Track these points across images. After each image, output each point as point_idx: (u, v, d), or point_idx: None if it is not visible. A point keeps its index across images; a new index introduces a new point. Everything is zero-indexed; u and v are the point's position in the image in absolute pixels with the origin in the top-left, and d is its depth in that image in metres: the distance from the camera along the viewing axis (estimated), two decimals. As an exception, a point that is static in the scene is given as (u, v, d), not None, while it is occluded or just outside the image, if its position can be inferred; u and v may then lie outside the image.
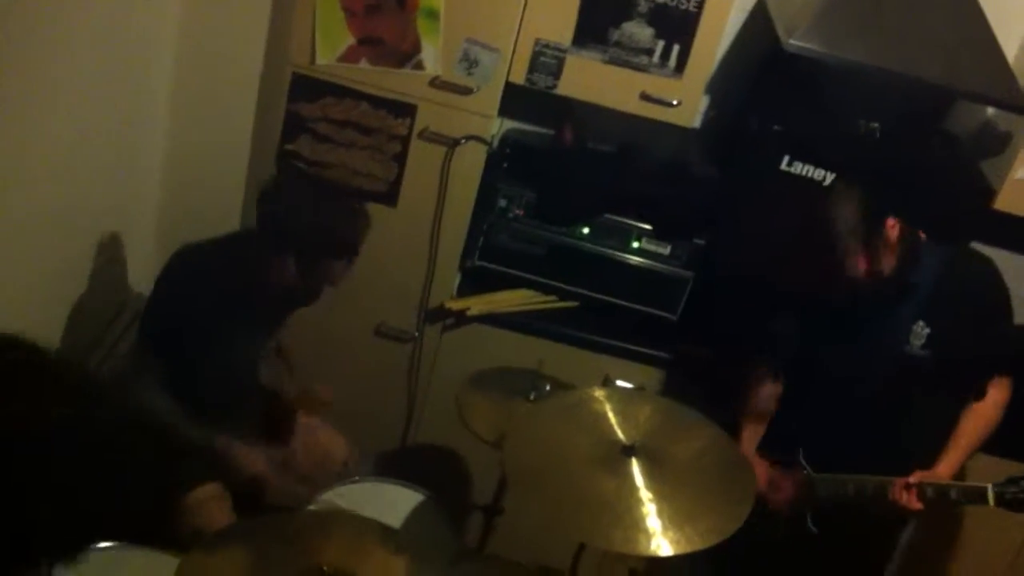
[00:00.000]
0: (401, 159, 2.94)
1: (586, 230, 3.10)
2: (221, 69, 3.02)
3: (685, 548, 2.00)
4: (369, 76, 2.84)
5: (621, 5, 2.81)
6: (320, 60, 2.82)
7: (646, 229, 3.10)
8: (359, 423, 3.05)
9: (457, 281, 3.17)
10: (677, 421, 2.34)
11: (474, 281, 3.16)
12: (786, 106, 2.95)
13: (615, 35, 2.84)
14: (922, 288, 2.48)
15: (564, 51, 2.87)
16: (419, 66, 2.83)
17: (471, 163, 2.95)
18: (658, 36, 2.84)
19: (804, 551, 2.64)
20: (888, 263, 2.42)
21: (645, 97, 2.90)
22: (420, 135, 2.91)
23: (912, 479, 2.41)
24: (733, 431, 2.71)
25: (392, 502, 2.72)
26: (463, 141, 2.90)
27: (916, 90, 2.79)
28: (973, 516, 3.15)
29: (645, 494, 2.09)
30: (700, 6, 2.80)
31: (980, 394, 2.52)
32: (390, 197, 2.99)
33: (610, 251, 3.12)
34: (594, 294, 3.17)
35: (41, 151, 2.31)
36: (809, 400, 2.70)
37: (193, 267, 2.48)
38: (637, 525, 2.03)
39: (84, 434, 1.36)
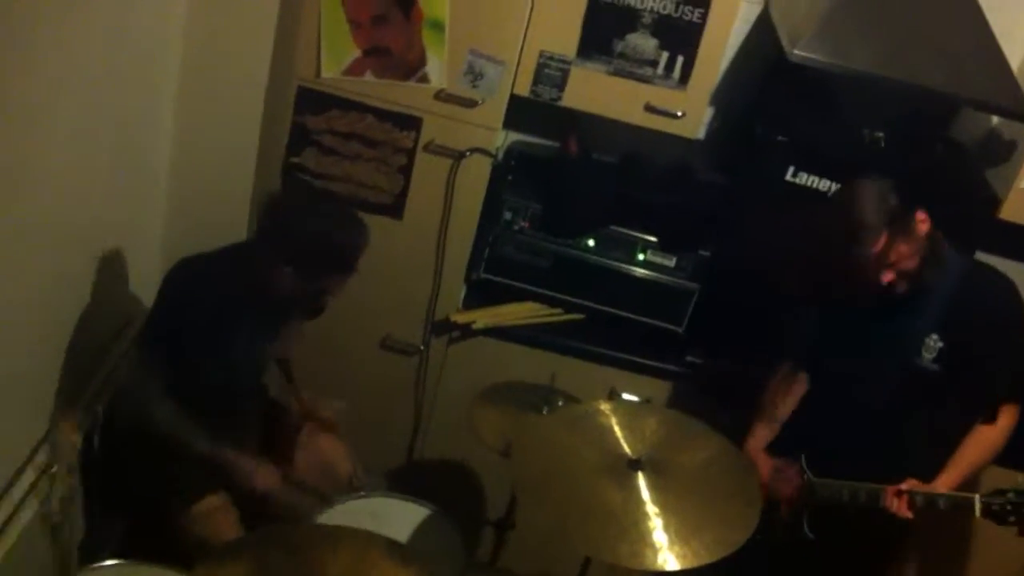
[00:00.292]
0: (406, 171, 2.95)
1: (591, 242, 3.10)
2: (226, 82, 3.02)
3: (691, 562, 2.00)
4: (374, 89, 2.85)
5: (625, 17, 2.81)
6: (325, 73, 2.83)
7: (651, 241, 3.09)
8: (365, 436, 3.06)
9: (463, 294, 3.17)
10: (683, 433, 2.34)
11: (480, 294, 3.16)
12: (791, 116, 2.95)
13: (619, 47, 2.84)
14: (938, 300, 2.46)
15: (568, 63, 2.87)
16: (424, 79, 2.83)
17: (476, 175, 2.95)
18: (662, 47, 2.84)
19: (800, 557, 2.62)
20: (911, 262, 2.39)
21: (649, 108, 2.90)
22: (425, 148, 2.91)
23: (903, 486, 2.40)
24: (741, 442, 2.71)
25: (399, 517, 2.71)
26: (468, 153, 2.90)
27: (921, 99, 2.79)
28: (982, 529, 3.13)
29: (651, 508, 2.09)
30: (704, 17, 2.80)
31: (991, 418, 2.49)
32: (396, 209, 2.99)
33: (615, 263, 3.11)
34: (600, 306, 3.17)
35: (46, 163, 2.31)
36: (815, 405, 2.69)
37: (194, 275, 2.50)
38: (643, 539, 2.03)
39: None
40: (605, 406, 2.37)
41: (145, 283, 2.95)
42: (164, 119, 3.01)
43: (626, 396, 3.03)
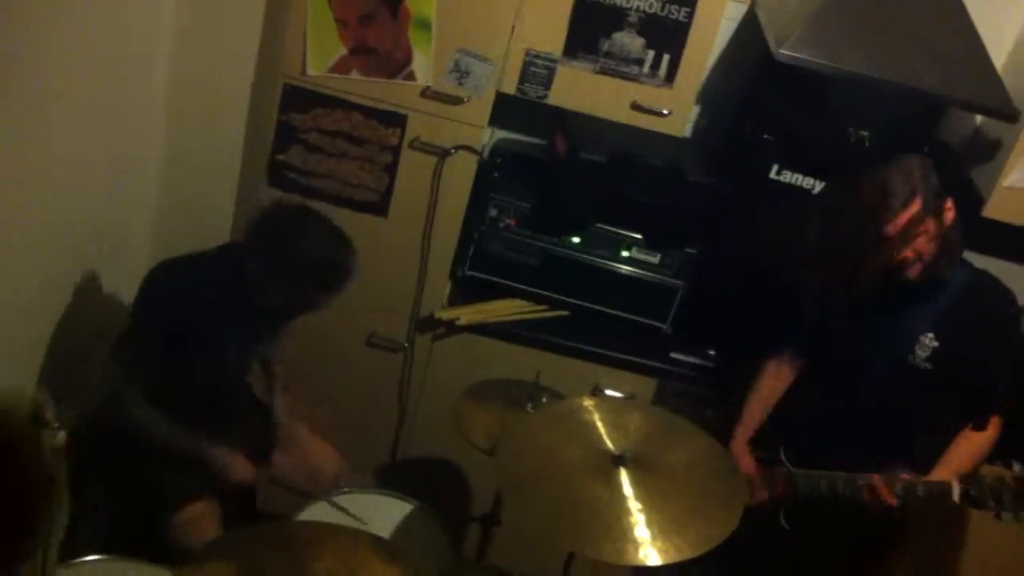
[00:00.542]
0: (392, 169, 2.95)
1: (577, 239, 3.11)
2: (213, 79, 3.02)
3: (674, 557, 2.01)
4: (360, 87, 2.85)
5: (611, 15, 2.82)
6: (311, 71, 2.83)
7: (636, 238, 3.10)
8: (350, 433, 3.06)
9: (448, 291, 3.17)
10: (667, 430, 2.35)
11: (465, 290, 3.17)
12: (776, 115, 2.96)
13: (606, 45, 2.85)
14: (936, 299, 2.46)
15: (555, 61, 2.88)
16: (410, 76, 2.83)
17: (462, 173, 2.95)
18: (648, 46, 2.85)
19: (778, 549, 2.64)
20: (931, 245, 2.37)
21: (636, 107, 2.91)
22: (411, 145, 2.91)
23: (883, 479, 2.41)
24: (724, 438, 2.72)
25: (385, 513, 2.72)
26: (454, 151, 2.90)
27: (906, 98, 2.81)
28: (968, 522, 3.14)
29: (634, 504, 2.10)
30: (690, 16, 2.81)
31: (980, 426, 2.49)
32: (381, 207, 2.99)
33: (601, 260, 3.12)
34: (585, 303, 3.18)
35: (34, 162, 2.31)
36: (802, 397, 2.70)
37: (174, 278, 2.47)
38: (626, 535, 2.04)
39: None
40: (589, 402, 2.37)
41: (133, 280, 2.94)
42: (152, 116, 3.01)
43: (610, 392, 3.04)
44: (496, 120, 3.04)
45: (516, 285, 3.17)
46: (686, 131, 3.14)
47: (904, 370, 2.50)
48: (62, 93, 2.35)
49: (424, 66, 2.81)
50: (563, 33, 2.84)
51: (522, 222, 3.10)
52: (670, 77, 2.88)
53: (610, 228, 3.10)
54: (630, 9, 2.81)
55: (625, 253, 3.12)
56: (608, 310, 3.18)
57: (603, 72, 2.88)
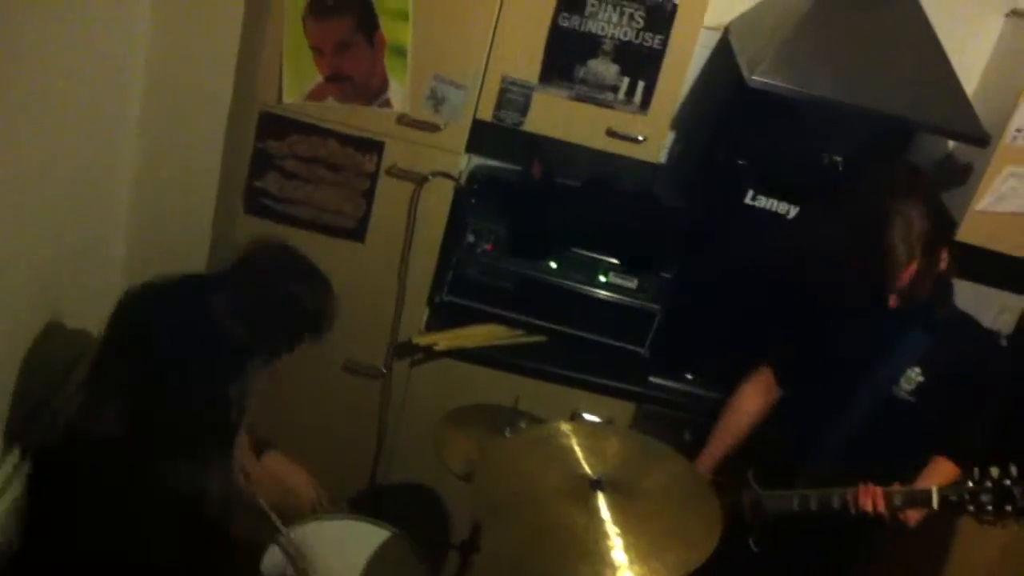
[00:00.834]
0: (369, 195, 2.95)
1: (554, 264, 3.12)
2: (189, 107, 3.02)
3: (651, 582, 2.00)
4: (336, 113, 2.86)
5: (586, 43, 2.84)
6: (287, 99, 2.83)
7: (614, 263, 3.11)
8: (328, 459, 3.04)
9: (426, 316, 3.17)
10: (644, 454, 2.35)
11: (443, 316, 3.16)
12: (750, 140, 2.99)
13: (581, 72, 2.88)
14: (925, 334, 2.50)
15: (531, 88, 2.90)
16: (386, 103, 2.84)
17: (439, 199, 2.96)
18: (623, 73, 2.87)
19: (744, 569, 2.63)
20: (925, 287, 2.43)
21: (611, 133, 2.93)
22: (388, 172, 2.92)
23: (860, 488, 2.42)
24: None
25: (361, 540, 2.70)
26: (431, 177, 2.91)
27: (878, 123, 2.84)
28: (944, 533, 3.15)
29: (612, 528, 2.10)
30: (664, 44, 2.84)
31: (955, 459, 2.50)
32: (358, 233, 2.99)
33: (578, 285, 3.13)
34: (563, 328, 3.18)
35: (4, 187, 2.30)
36: (776, 420, 2.71)
37: (151, 304, 2.44)
38: (604, 559, 2.03)
39: None
40: (567, 427, 2.37)
41: (105, 308, 2.92)
42: (126, 143, 3.00)
43: (588, 417, 3.04)
44: (473, 147, 3.06)
45: (494, 310, 3.17)
46: (661, 157, 3.17)
47: (888, 401, 2.52)
48: (33, 118, 2.34)
49: (400, 93, 2.83)
50: (539, 60, 2.86)
51: (499, 247, 3.10)
52: (645, 104, 2.90)
53: (587, 253, 3.12)
54: (605, 37, 2.84)
55: (602, 278, 3.13)
56: (586, 335, 3.19)
57: (578, 99, 2.90)
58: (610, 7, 2.81)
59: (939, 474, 2.47)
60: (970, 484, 2.29)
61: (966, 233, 3.00)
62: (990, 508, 2.27)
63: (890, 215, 2.39)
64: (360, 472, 3.33)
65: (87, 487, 2.47)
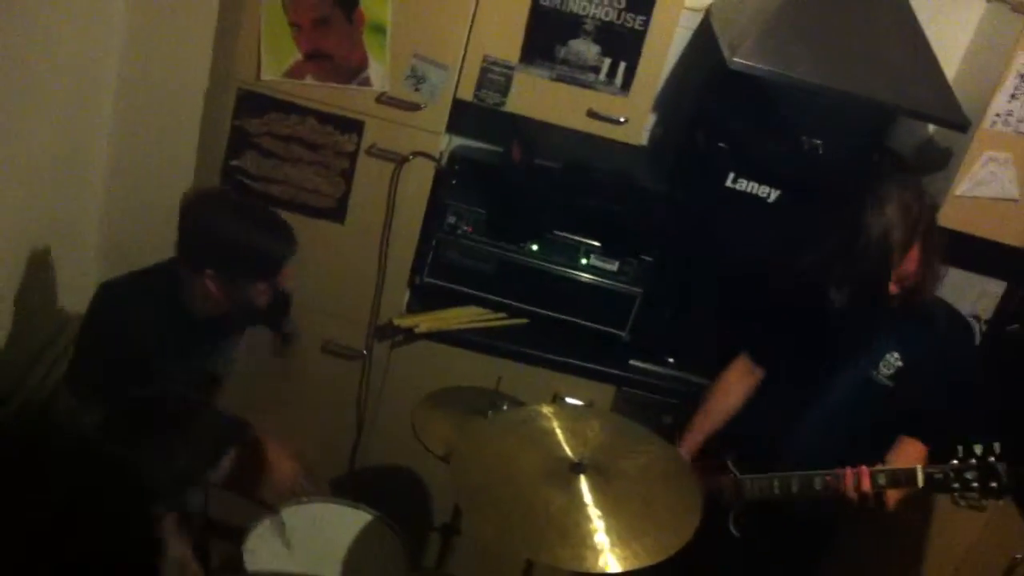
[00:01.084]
0: (348, 175, 2.93)
1: (535, 247, 3.10)
2: (165, 84, 2.98)
3: (633, 564, 2.00)
4: (315, 92, 2.83)
5: (568, 23, 2.82)
6: (266, 75, 2.80)
7: (595, 246, 3.10)
8: (307, 441, 3.02)
9: (406, 298, 3.15)
10: (625, 437, 2.35)
11: (423, 298, 3.15)
12: (731, 123, 2.99)
13: (562, 52, 2.86)
14: (904, 319, 2.51)
15: (512, 68, 2.88)
16: (366, 82, 2.82)
17: (419, 180, 2.94)
18: (604, 54, 2.86)
19: (724, 553, 2.64)
20: (916, 276, 2.45)
21: (592, 114, 2.91)
22: (368, 151, 2.89)
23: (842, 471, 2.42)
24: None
25: (343, 524, 2.69)
26: (411, 157, 2.89)
27: (858, 107, 2.84)
28: (917, 521, 3.18)
29: (593, 511, 2.09)
30: (646, 24, 2.82)
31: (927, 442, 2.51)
32: (338, 213, 2.97)
33: (559, 268, 3.12)
34: (544, 311, 3.17)
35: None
36: (756, 403, 2.72)
37: (119, 301, 2.39)
38: (585, 541, 2.03)
39: None
40: (547, 410, 2.37)
41: (80, 289, 2.89)
42: (102, 121, 2.97)
43: (569, 400, 3.04)
44: (453, 127, 3.03)
45: (475, 292, 3.15)
46: (642, 139, 3.16)
47: (866, 384, 2.53)
48: (6, 95, 2.30)
49: (380, 72, 2.80)
50: (520, 40, 2.84)
51: (480, 229, 3.09)
52: (626, 85, 2.89)
53: (568, 236, 3.10)
54: (586, 17, 2.82)
55: (583, 261, 3.12)
56: (567, 317, 3.18)
57: (559, 79, 2.88)
58: (592, -13, 2.80)
59: (907, 454, 2.48)
60: (955, 462, 2.30)
61: (946, 218, 2.98)
62: (975, 485, 2.28)
63: (887, 199, 2.40)
64: (340, 454, 3.31)
65: (63, 481, 2.45)
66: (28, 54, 2.36)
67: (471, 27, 2.80)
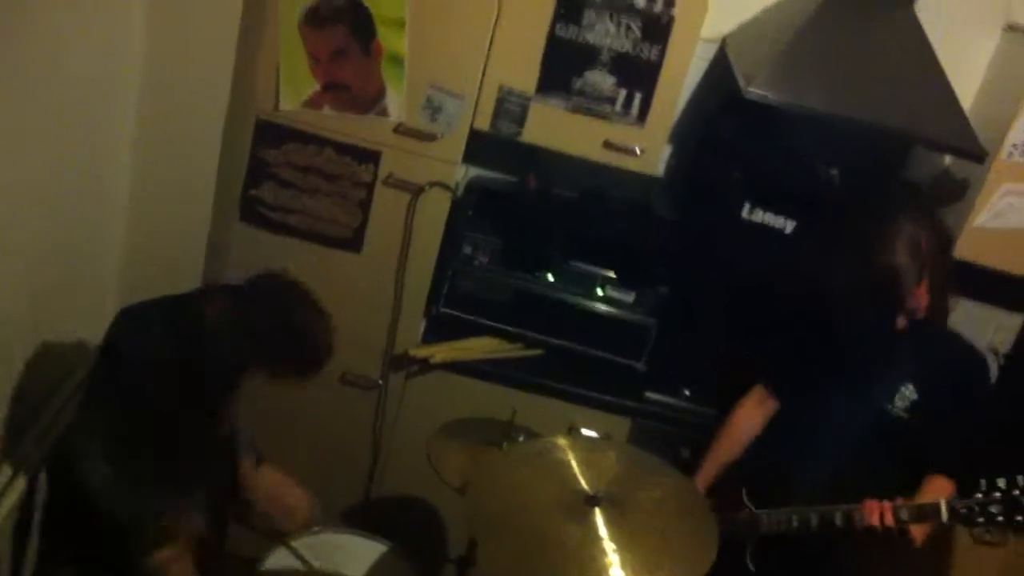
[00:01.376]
0: (365, 205, 2.94)
1: (551, 277, 3.10)
2: (185, 115, 3.00)
3: (649, 598, 1.98)
4: (333, 122, 2.84)
5: (584, 54, 2.84)
6: (284, 106, 2.82)
7: (610, 277, 3.10)
8: (323, 472, 3.02)
9: (422, 328, 3.15)
10: (641, 469, 2.33)
11: (439, 328, 3.15)
12: (746, 153, 2.99)
13: (578, 83, 2.87)
14: (918, 351, 2.49)
15: (528, 99, 2.89)
16: (383, 112, 2.83)
17: (436, 210, 2.94)
18: (620, 85, 2.87)
19: None
20: (941, 307, 2.44)
21: (608, 145, 2.92)
22: (384, 181, 2.91)
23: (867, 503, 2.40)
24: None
25: (356, 554, 2.68)
26: (427, 187, 2.90)
27: (874, 137, 2.84)
28: (934, 557, 3.14)
29: (609, 544, 2.08)
30: (661, 55, 2.83)
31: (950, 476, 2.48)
32: (354, 243, 2.98)
33: (575, 298, 3.11)
34: (559, 341, 3.16)
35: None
36: (770, 437, 2.70)
37: (139, 329, 2.40)
38: (600, 575, 2.01)
39: None
40: (563, 442, 2.35)
41: (98, 317, 2.90)
42: (121, 152, 2.98)
43: (585, 432, 3.02)
44: (469, 157, 3.05)
45: (491, 323, 3.15)
46: (658, 169, 3.16)
47: (881, 418, 2.51)
48: (28, 127, 2.32)
49: (397, 102, 2.82)
50: (536, 71, 2.86)
51: (496, 259, 3.09)
52: (642, 116, 2.90)
53: (584, 266, 3.10)
54: (602, 48, 2.83)
55: (599, 291, 3.11)
56: (582, 348, 3.17)
57: (576, 110, 2.89)
58: (607, 18, 2.81)
59: (937, 491, 2.44)
60: (979, 496, 2.27)
61: (963, 250, 2.98)
62: (1000, 519, 2.24)
63: (896, 234, 2.39)
64: (355, 485, 3.30)
65: (78, 510, 2.46)
66: (47, 86, 2.38)
67: (487, 58, 2.81)
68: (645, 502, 2.21)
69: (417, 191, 2.91)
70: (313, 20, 2.74)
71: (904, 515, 2.35)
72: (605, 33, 2.82)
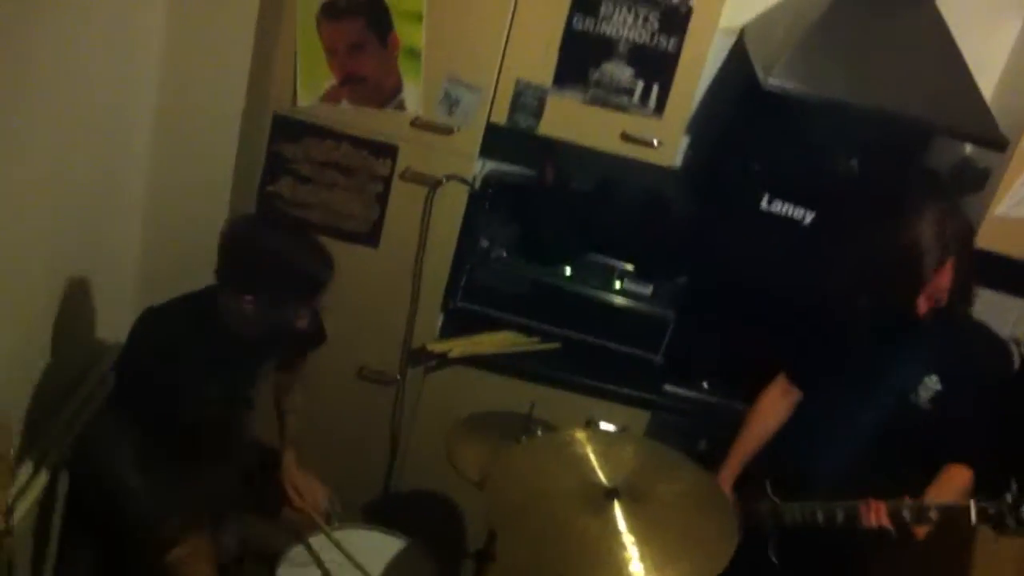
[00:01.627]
0: (383, 199, 2.94)
1: (568, 270, 3.10)
2: (202, 111, 3.01)
3: (669, 591, 1.98)
4: (350, 117, 2.84)
5: (601, 46, 2.83)
6: (301, 102, 2.82)
7: (628, 269, 3.09)
8: (341, 467, 3.03)
9: (440, 322, 3.15)
10: (659, 462, 2.32)
11: (457, 322, 3.15)
12: (765, 144, 2.97)
13: (595, 75, 2.86)
14: (941, 341, 2.47)
15: (545, 91, 2.88)
16: (400, 106, 2.83)
17: (453, 203, 2.94)
18: (637, 76, 2.85)
19: None
20: (964, 291, 2.42)
21: (626, 137, 2.91)
22: (401, 175, 2.90)
23: (888, 504, 2.38)
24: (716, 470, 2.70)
25: (374, 549, 2.68)
26: (445, 181, 2.89)
27: (894, 126, 2.81)
28: (957, 549, 3.12)
29: (628, 537, 2.07)
30: (679, 47, 2.82)
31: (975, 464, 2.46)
32: (372, 238, 2.98)
33: (592, 291, 3.11)
34: (577, 335, 3.16)
35: (17, 194, 2.29)
36: (795, 427, 2.68)
37: (161, 327, 2.41)
38: (620, 568, 2.00)
39: None
40: (581, 435, 2.34)
41: (119, 314, 2.92)
42: (139, 148, 2.99)
43: (603, 425, 3.01)
44: (486, 150, 3.04)
45: (508, 316, 3.15)
46: (676, 161, 3.14)
47: (905, 409, 2.49)
48: (45, 123, 2.33)
49: (414, 95, 2.81)
50: (553, 63, 2.85)
51: (513, 253, 3.08)
52: (659, 107, 2.88)
53: (602, 259, 3.09)
54: (619, 39, 2.82)
55: (617, 284, 3.10)
56: (600, 341, 3.16)
57: (593, 102, 2.88)
58: (624, 9, 2.80)
59: (955, 480, 2.43)
60: (1009, 498, 2.23)
61: (984, 239, 2.94)
62: None
63: (921, 216, 2.36)
64: (374, 480, 3.31)
65: (100, 506, 2.47)
66: (65, 83, 2.39)
67: (504, 51, 2.81)
68: (664, 495, 2.20)
69: (434, 185, 2.91)
70: (330, 14, 2.74)
71: (932, 515, 2.32)
72: (622, 24, 2.81)
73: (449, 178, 2.89)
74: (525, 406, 2.73)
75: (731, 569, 2.06)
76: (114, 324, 2.92)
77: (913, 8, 2.81)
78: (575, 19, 2.80)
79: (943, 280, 2.37)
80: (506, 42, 2.80)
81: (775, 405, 2.72)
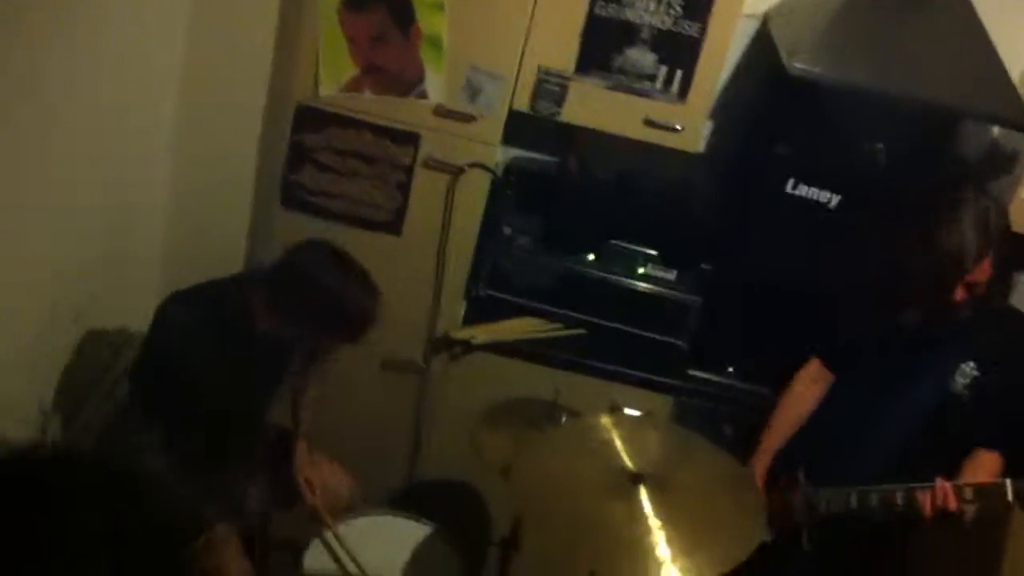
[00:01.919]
0: (405, 188, 2.94)
1: (592, 256, 3.09)
2: (225, 101, 3.03)
3: (696, 576, 1.97)
4: (372, 105, 2.84)
5: (623, 31, 2.81)
6: (324, 92, 2.82)
7: (652, 255, 3.08)
8: (366, 455, 3.04)
9: (463, 310, 3.15)
10: (684, 447, 2.32)
11: (480, 310, 3.14)
12: (790, 129, 2.94)
13: (618, 61, 2.84)
14: (979, 328, 2.45)
15: (567, 78, 2.86)
16: (423, 95, 2.83)
17: (475, 191, 2.94)
18: (661, 62, 2.83)
19: (795, 566, 2.59)
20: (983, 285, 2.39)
21: (649, 123, 2.89)
22: (424, 164, 2.90)
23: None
24: (742, 455, 2.68)
25: (400, 536, 2.70)
26: (467, 169, 2.89)
27: (921, 111, 2.78)
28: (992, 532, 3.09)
29: (654, 522, 2.07)
30: (702, 32, 2.80)
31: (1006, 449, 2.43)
32: (394, 226, 2.98)
33: (616, 277, 3.10)
34: (601, 321, 3.15)
35: (44, 181, 2.31)
36: (828, 415, 2.67)
37: (189, 310, 2.41)
38: (646, 554, 2.01)
39: None
40: (606, 420, 2.35)
41: (142, 303, 2.94)
42: (163, 138, 3.01)
43: (628, 410, 3.01)
44: (509, 138, 3.03)
45: (532, 304, 3.14)
46: (699, 146, 3.13)
47: (942, 395, 2.47)
48: (71, 114, 2.35)
49: (436, 84, 2.81)
50: (575, 50, 2.83)
51: (536, 240, 3.08)
52: (683, 93, 2.87)
53: (625, 245, 3.08)
54: (642, 25, 2.80)
55: (641, 270, 3.10)
56: (624, 327, 3.15)
57: (616, 88, 2.87)
58: (648, -5, 2.78)
59: (986, 464, 2.41)
60: None
61: (1013, 222, 2.92)
62: None
63: (963, 219, 2.34)
64: (398, 468, 3.32)
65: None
66: (91, 70, 2.41)
67: (526, 38, 2.80)
68: (689, 480, 2.20)
69: (456, 173, 2.90)
70: (352, 4, 2.74)
71: (967, 495, 2.29)
72: (645, 10, 2.79)
73: (471, 166, 2.89)
74: (549, 392, 2.73)
75: (761, 554, 2.05)
76: (140, 312, 2.93)
77: (939, -9, 2.78)
78: (597, 5, 2.78)
79: (982, 272, 2.35)
80: (528, 29, 2.79)
81: (808, 391, 2.70)
